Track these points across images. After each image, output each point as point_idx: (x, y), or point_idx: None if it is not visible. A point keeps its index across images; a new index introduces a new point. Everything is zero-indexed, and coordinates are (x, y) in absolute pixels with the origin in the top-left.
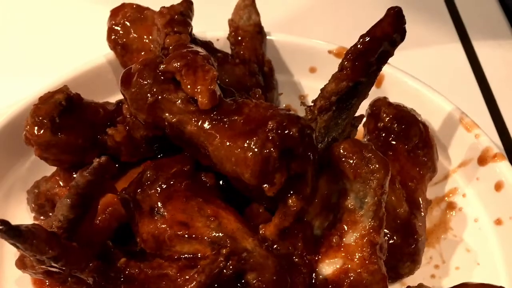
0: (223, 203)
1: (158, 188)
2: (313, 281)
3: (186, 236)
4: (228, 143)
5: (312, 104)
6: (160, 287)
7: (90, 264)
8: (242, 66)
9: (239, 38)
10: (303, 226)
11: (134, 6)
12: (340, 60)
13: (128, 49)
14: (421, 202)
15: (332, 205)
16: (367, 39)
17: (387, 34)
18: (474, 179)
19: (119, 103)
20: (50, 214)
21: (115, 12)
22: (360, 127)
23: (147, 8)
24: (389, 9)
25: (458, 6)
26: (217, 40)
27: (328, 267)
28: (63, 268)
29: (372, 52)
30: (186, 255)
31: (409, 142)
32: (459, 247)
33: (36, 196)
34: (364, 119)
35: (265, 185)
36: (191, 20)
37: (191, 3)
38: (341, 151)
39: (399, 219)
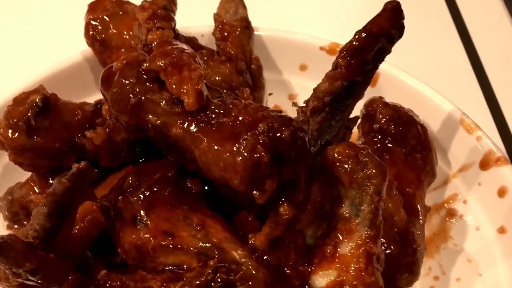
0: (210, 211)
1: (140, 195)
2: None
3: (171, 246)
4: (216, 147)
5: (304, 104)
6: None
7: (69, 278)
8: (229, 64)
9: (225, 33)
10: (295, 235)
11: None
12: (332, 57)
13: (107, 45)
14: (419, 209)
15: (325, 213)
16: (363, 35)
17: (385, 30)
18: (475, 184)
19: (97, 104)
20: (25, 222)
21: (93, 6)
22: (355, 129)
23: (128, 2)
24: (387, 3)
25: (458, 0)
26: (202, 35)
27: (321, 279)
28: (40, 281)
29: (368, 49)
30: (170, 267)
31: (406, 145)
32: (460, 257)
33: (9, 203)
34: (359, 121)
35: (255, 192)
36: (175, 14)
37: None
38: (335, 155)
39: (396, 227)
